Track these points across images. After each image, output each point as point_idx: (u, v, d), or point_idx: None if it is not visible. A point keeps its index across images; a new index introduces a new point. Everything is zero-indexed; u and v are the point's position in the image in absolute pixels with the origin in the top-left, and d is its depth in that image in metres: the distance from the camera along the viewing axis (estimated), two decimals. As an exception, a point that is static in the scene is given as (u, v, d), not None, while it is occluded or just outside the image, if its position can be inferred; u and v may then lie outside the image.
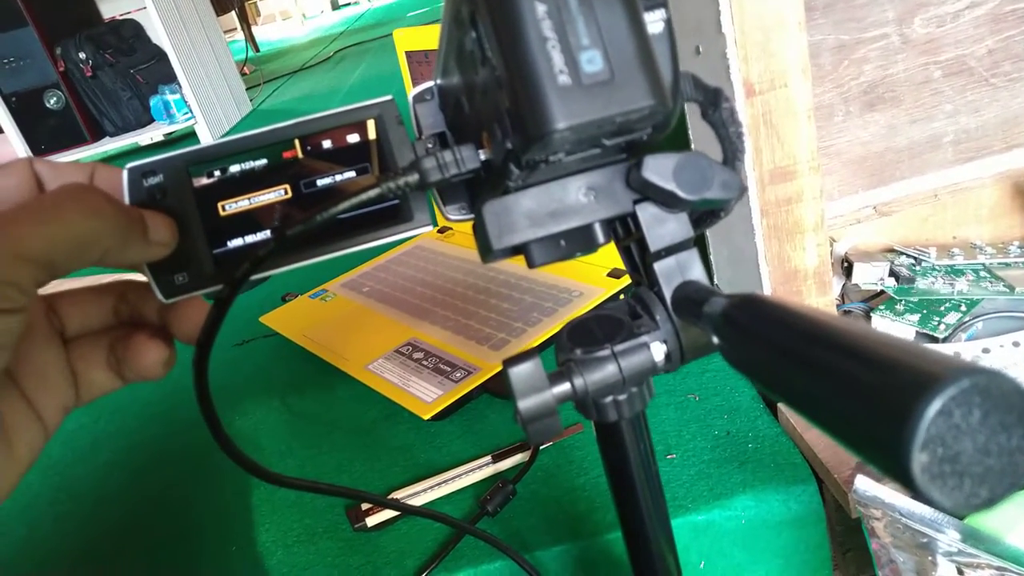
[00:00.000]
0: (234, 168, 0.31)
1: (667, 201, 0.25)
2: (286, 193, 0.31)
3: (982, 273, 0.71)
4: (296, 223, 0.27)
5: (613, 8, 0.21)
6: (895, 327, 0.67)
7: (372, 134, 0.32)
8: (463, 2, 0.23)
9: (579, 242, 0.27)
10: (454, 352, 0.83)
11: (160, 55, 2.89)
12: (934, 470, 0.15)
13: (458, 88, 0.28)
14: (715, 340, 0.23)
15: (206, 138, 2.86)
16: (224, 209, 0.31)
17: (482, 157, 0.27)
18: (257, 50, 5.29)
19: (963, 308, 0.67)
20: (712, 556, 0.62)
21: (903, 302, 0.69)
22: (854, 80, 0.73)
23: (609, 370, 0.26)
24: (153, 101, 2.83)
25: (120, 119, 2.89)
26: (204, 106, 2.86)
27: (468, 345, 0.84)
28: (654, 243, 0.26)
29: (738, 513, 0.61)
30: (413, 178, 0.26)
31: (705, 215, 0.28)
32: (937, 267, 0.72)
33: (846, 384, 0.16)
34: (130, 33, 2.96)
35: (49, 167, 0.29)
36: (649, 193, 0.25)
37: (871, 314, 0.69)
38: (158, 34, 2.73)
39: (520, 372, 0.25)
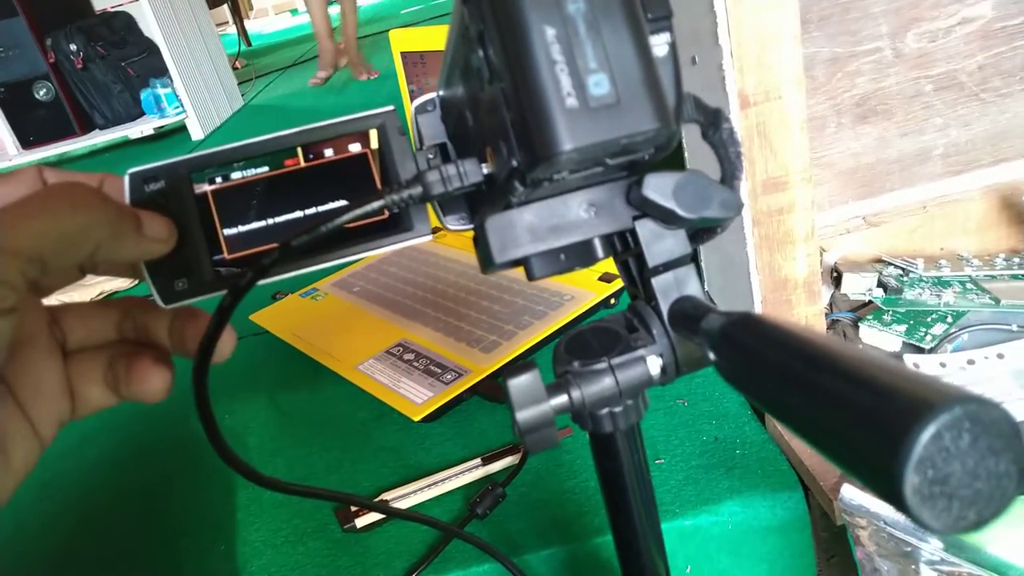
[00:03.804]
0: (236, 175, 0.32)
1: (666, 218, 0.26)
2: (288, 200, 0.32)
3: (968, 285, 0.72)
4: (299, 232, 0.27)
5: (620, 32, 0.21)
6: (882, 337, 0.68)
7: (374, 143, 0.32)
8: (471, 20, 0.23)
9: (579, 256, 0.28)
10: (445, 354, 0.84)
11: (152, 48, 2.88)
12: (924, 492, 0.15)
13: (462, 102, 0.28)
14: (711, 356, 0.23)
15: (197, 133, 2.85)
16: (225, 216, 0.31)
17: (484, 171, 0.27)
18: (249, 44, 5.27)
19: (949, 319, 0.68)
20: (698, 561, 0.62)
21: (890, 312, 0.70)
22: (847, 92, 0.74)
23: (606, 383, 0.27)
24: (144, 94, 2.82)
25: (110, 112, 2.87)
26: (195, 100, 2.85)
27: (459, 347, 0.85)
28: (652, 259, 0.27)
29: (725, 519, 0.61)
30: (416, 191, 0.27)
31: (702, 231, 0.29)
32: (924, 278, 0.73)
33: (841, 406, 0.17)
34: (122, 25, 2.94)
35: (57, 174, 0.29)
36: (649, 210, 0.26)
37: (859, 323, 0.70)
38: (150, 27, 2.72)
39: (519, 384, 0.26)
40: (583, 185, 0.27)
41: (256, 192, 0.32)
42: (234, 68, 3.73)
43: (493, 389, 0.78)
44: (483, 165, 0.27)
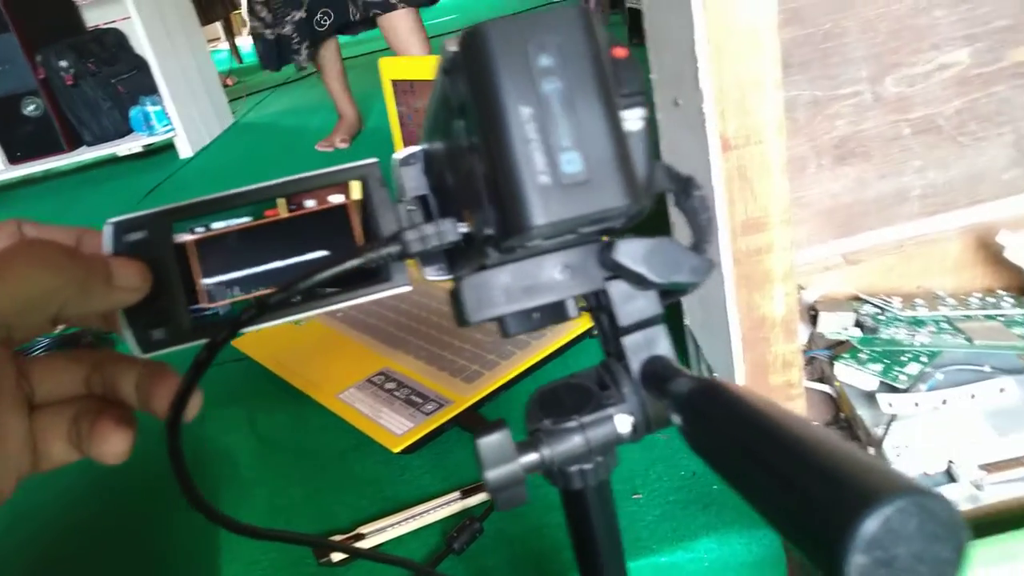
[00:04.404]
0: (217, 225, 0.32)
1: (637, 282, 0.26)
2: (269, 251, 0.32)
3: (943, 325, 0.73)
4: (277, 290, 0.27)
5: (593, 111, 0.22)
6: (858, 376, 0.69)
7: (356, 195, 0.33)
8: (452, 90, 0.24)
9: (552, 315, 0.28)
10: (426, 383, 0.84)
11: (142, 65, 2.88)
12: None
13: (443, 160, 0.29)
14: (677, 420, 0.24)
15: (185, 151, 2.84)
16: (205, 267, 0.31)
17: (461, 230, 0.28)
18: (240, 61, 5.28)
19: (924, 359, 0.69)
20: (675, 599, 0.63)
21: (866, 351, 0.71)
22: (827, 134, 0.75)
23: (576, 441, 0.27)
24: (133, 112, 2.81)
25: (99, 129, 2.87)
26: (184, 118, 2.85)
27: (441, 377, 0.85)
28: (623, 319, 0.28)
29: (701, 555, 0.62)
30: (395, 249, 0.27)
31: (672, 291, 0.29)
32: (900, 317, 0.74)
33: (794, 490, 0.18)
34: (113, 42, 2.95)
35: (36, 228, 0.29)
36: (620, 273, 0.27)
37: (835, 362, 0.71)
38: (141, 44, 2.73)
39: (489, 443, 0.26)
40: (557, 248, 0.27)
41: (237, 242, 0.32)
42: (225, 85, 3.74)
43: (474, 421, 0.78)
44: (460, 224, 0.28)
